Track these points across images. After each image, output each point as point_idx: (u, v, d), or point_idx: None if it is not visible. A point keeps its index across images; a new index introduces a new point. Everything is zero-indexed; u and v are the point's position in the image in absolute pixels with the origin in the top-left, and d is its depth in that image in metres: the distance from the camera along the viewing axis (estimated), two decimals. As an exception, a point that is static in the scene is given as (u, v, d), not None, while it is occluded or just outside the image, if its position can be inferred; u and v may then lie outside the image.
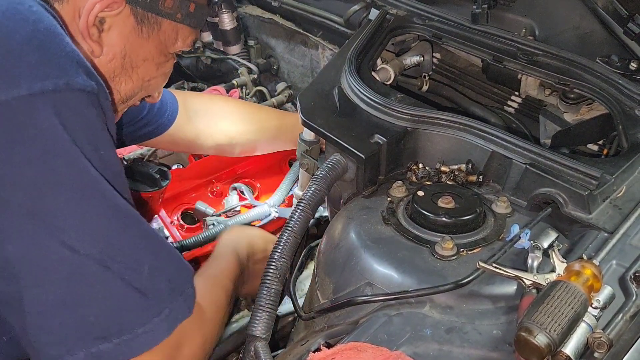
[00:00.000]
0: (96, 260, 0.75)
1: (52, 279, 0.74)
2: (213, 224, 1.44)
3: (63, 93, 0.74)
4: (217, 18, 1.92)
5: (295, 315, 1.18)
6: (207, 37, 2.05)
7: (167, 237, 1.45)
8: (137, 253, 0.80)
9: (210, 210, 1.51)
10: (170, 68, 1.05)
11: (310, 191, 1.01)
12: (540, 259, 0.84)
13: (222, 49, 2.02)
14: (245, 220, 1.47)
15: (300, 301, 1.14)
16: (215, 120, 1.47)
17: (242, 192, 1.62)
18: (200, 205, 1.52)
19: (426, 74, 1.53)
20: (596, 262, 0.81)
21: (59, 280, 0.74)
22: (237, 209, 1.55)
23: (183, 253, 1.40)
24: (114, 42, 0.91)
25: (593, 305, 0.75)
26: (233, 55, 2.06)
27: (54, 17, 0.80)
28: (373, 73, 1.29)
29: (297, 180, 1.59)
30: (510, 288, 0.86)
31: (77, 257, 0.74)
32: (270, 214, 1.50)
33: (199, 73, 2.21)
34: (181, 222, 1.54)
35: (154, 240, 0.84)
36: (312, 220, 1.08)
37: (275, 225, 1.59)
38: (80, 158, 0.75)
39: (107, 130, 0.81)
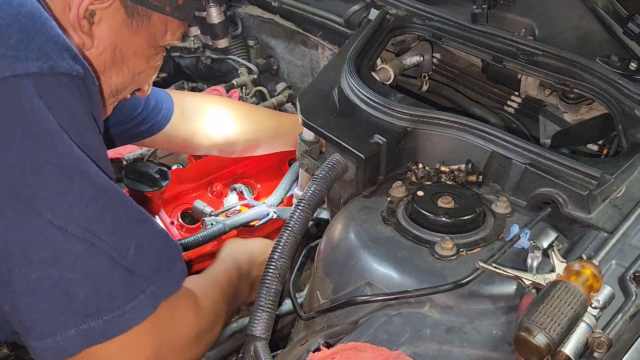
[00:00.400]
0: (82, 239, 0.76)
1: (40, 257, 0.75)
2: (212, 224, 1.44)
3: (47, 76, 0.74)
4: (205, 12, 1.91)
5: (295, 315, 1.18)
6: (196, 30, 2.03)
7: None
8: (123, 232, 0.81)
9: (208, 209, 1.51)
10: (160, 61, 1.05)
11: (310, 191, 1.01)
12: (540, 259, 0.84)
13: (210, 43, 2.02)
14: (243, 220, 1.47)
15: (300, 301, 1.14)
16: (212, 120, 1.47)
17: (241, 192, 1.62)
18: (198, 204, 1.52)
19: (426, 74, 1.53)
20: (596, 262, 0.81)
21: (46, 258, 0.75)
22: (237, 208, 1.55)
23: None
24: (105, 34, 0.92)
25: (593, 305, 0.75)
26: (232, 55, 2.06)
27: (41, 3, 0.81)
28: (373, 73, 1.29)
29: (296, 180, 1.59)
30: (510, 288, 0.86)
31: (63, 236, 0.75)
32: (268, 214, 1.50)
33: (199, 73, 2.21)
34: (181, 222, 1.54)
35: (141, 219, 0.84)
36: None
37: (274, 226, 1.59)
38: (65, 139, 0.75)
39: (92, 116, 0.82)
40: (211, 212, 1.51)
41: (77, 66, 0.78)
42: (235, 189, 1.62)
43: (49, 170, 0.74)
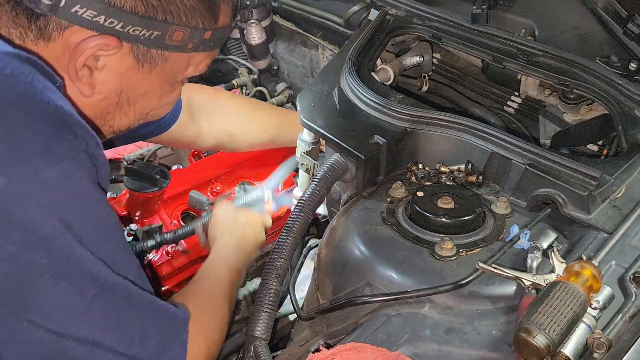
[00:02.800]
0: (83, 341, 0.73)
1: None
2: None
3: (46, 173, 0.69)
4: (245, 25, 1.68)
5: (295, 315, 1.18)
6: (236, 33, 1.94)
7: (160, 226, 1.45)
8: (128, 323, 0.78)
9: (204, 198, 1.51)
10: (177, 96, 0.97)
11: (310, 191, 1.01)
12: (540, 260, 0.84)
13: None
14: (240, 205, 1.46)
15: (300, 302, 1.14)
16: (218, 117, 1.46)
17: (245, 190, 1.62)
18: (194, 194, 1.52)
19: (426, 75, 1.53)
20: (595, 262, 0.81)
21: None
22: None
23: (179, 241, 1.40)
24: (108, 80, 0.83)
25: (592, 306, 0.75)
26: (232, 56, 2.05)
27: (34, 64, 0.73)
28: (373, 73, 1.29)
29: (296, 170, 1.58)
30: (510, 288, 0.86)
31: (61, 341, 0.72)
32: (264, 197, 1.49)
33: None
34: (181, 222, 1.54)
35: (143, 304, 0.80)
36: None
37: (274, 225, 1.59)
38: (65, 240, 0.71)
39: (99, 185, 0.77)
40: (207, 201, 1.51)
41: (77, 142, 0.72)
42: (244, 185, 1.62)
43: (46, 277, 0.70)
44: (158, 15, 0.80)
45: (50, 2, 0.75)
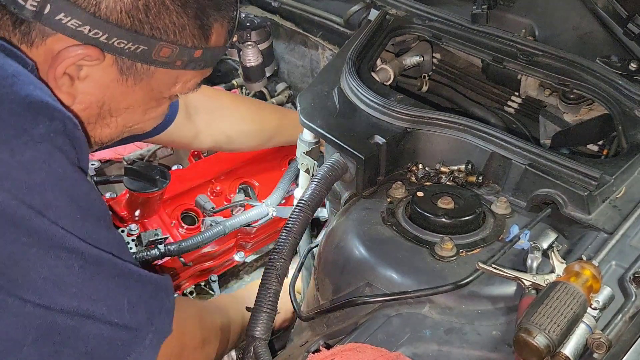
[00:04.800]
0: (73, 313, 0.74)
1: (30, 340, 0.72)
2: (211, 224, 1.44)
3: (23, 154, 0.69)
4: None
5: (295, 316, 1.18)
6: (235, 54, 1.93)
7: (166, 238, 1.45)
8: (115, 292, 0.78)
9: (209, 204, 1.51)
10: (164, 111, 0.96)
11: (310, 192, 1.01)
12: (540, 260, 0.84)
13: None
14: (243, 221, 1.47)
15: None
16: (216, 118, 1.45)
17: (247, 193, 1.62)
18: (200, 199, 1.53)
19: (426, 75, 1.53)
20: (595, 262, 0.81)
21: (36, 340, 0.72)
22: (243, 205, 1.55)
23: (182, 254, 1.40)
24: (90, 91, 0.82)
25: (592, 306, 0.75)
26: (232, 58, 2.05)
27: (16, 57, 0.75)
28: (373, 73, 1.29)
29: (295, 178, 1.59)
30: (510, 289, 0.86)
31: (52, 314, 0.73)
32: (268, 214, 1.50)
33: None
34: (181, 222, 1.54)
35: (129, 273, 0.81)
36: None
37: (274, 226, 1.59)
38: (43, 224, 0.71)
39: (78, 166, 0.76)
40: (212, 207, 1.52)
41: (54, 123, 0.72)
42: (242, 190, 1.63)
43: (32, 254, 0.70)
44: (145, 30, 0.79)
45: (34, 9, 0.74)
